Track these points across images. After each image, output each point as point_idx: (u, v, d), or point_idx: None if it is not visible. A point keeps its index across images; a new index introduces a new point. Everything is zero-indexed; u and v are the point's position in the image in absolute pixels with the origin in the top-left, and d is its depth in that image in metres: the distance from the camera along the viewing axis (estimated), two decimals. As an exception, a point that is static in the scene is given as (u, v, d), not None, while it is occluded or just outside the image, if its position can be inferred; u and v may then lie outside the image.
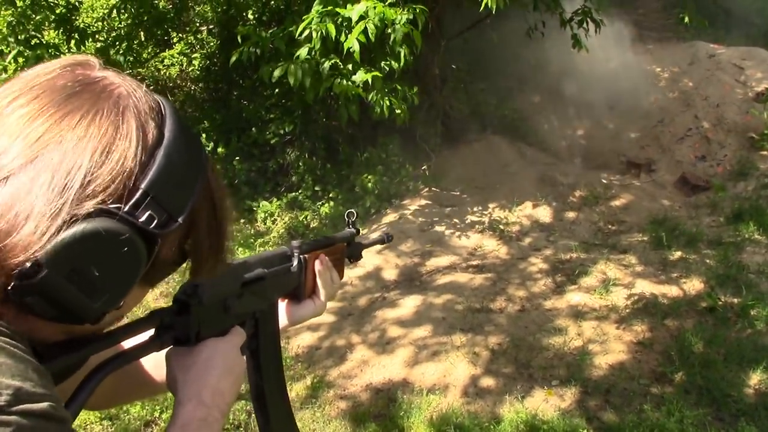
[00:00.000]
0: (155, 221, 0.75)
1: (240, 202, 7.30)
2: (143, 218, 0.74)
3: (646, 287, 5.08)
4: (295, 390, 4.32)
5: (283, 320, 1.35)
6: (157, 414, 4.13)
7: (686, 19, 5.79)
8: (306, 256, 1.33)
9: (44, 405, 0.63)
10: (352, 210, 1.59)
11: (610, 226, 6.51)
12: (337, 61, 5.48)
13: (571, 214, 6.67)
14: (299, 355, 4.76)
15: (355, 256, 1.56)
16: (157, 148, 0.77)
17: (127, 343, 0.97)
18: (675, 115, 8.48)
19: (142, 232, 0.75)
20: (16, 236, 0.68)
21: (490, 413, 4.04)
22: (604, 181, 7.36)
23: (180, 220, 0.78)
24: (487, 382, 4.28)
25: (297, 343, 4.89)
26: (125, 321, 0.98)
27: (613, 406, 3.98)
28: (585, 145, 8.34)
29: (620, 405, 3.99)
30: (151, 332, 1.00)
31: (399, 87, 5.61)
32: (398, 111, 5.61)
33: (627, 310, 4.80)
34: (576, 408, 3.98)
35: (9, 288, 0.70)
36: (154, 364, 1.15)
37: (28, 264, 0.68)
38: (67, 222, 0.70)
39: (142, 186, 0.74)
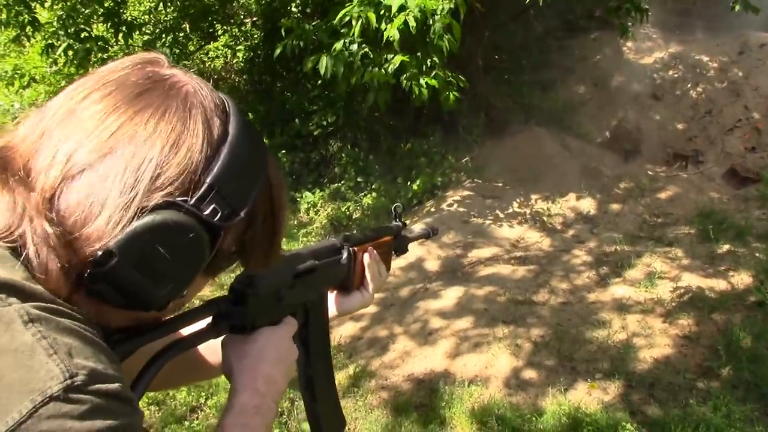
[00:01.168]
0: (219, 214, 0.79)
1: (283, 193, 7.36)
2: (208, 211, 0.78)
3: (692, 281, 5.01)
4: (338, 379, 4.36)
5: (331, 311, 1.38)
6: (202, 400, 4.20)
7: (737, 7, 5.65)
8: (355, 248, 1.35)
9: (115, 386, 0.65)
10: (399, 203, 1.61)
11: (655, 219, 6.41)
12: (368, 51, 5.45)
13: (615, 206, 6.58)
14: (342, 345, 4.80)
15: (401, 250, 1.57)
16: (222, 144, 0.80)
17: (185, 331, 1.02)
18: (724, 106, 8.30)
19: (206, 224, 0.78)
20: (91, 226, 0.72)
21: (532, 405, 4.02)
22: (650, 172, 7.25)
23: (242, 214, 0.81)
24: (530, 374, 4.26)
25: (340, 333, 4.93)
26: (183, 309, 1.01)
27: (657, 401, 3.93)
28: (630, 136, 8.21)
29: (665, 399, 3.94)
30: (208, 320, 1.03)
31: (440, 73, 5.54)
32: (437, 86, 5.51)
33: (673, 304, 4.73)
34: (619, 402, 3.95)
35: (82, 275, 0.72)
36: (208, 349, 1.19)
37: (100, 252, 0.72)
38: (138, 213, 0.73)
39: (208, 180, 0.78)
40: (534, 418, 3.90)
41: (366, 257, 1.39)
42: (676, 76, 8.68)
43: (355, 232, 1.44)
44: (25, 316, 0.63)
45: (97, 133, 0.74)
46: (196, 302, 1.03)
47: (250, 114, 7.96)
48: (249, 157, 0.83)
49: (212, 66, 9.07)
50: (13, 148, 0.76)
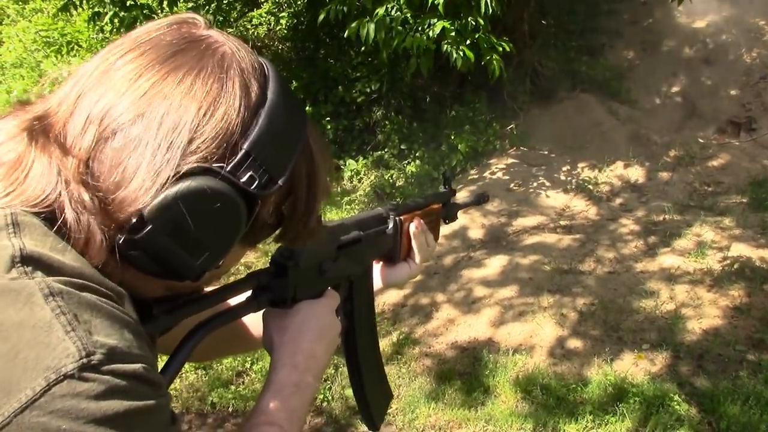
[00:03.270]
0: (256, 182, 0.76)
1: (327, 161, 7.37)
2: (244, 179, 0.75)
3: (743, 251, 4.89)
4: (381, 346, 4.34)
5: (377, 283, 1.34)
6: (248, 365, 4.26)
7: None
8: (401, 218, 1.32)
9: (137, 366, 0.63)
10: (447, 171, 1.57)
11: (706, 187, 6.27)
12: (409, 16, 5.37)
13: (664, 175, 6.44)
14: (385, 312, 4.81)
15: (450, 217, 1.53)
16: (260, 108, 0.77)
17: (225, 304, 1.00)
18: (779, 71, 8.04)
19: (242, 192, 0.75)
20: (125, 190, 0.70)
21: (577, 375, 3.99)
22: (701, 140, 7.07)
23: (280, 182, 0.78)
24: (575, 343, 4.22)
25: (383, 300, 4.94)
26: (223, 282, 1.00)
27: (706, 372, 3.87)
28: (680, 102, 8.00)
29: (714, 371, 3.87)
30: (248, 293, 1.01)
31: (483, 36, 5.44)
32: (484, 59, 5.43)
33: (723, 274, 4.63)
34: (667, 373, 3.89)
35: (116, 242, 0.71)
36: (251, 321, 1.18)
37: (134, 219, 0.70)
38: (172, 178, 0.71)
39: (245, 146, 0.75)
40: (579, 388, 3.87)
41: (412, 227, 1.34)
42: (729, 40, 8.41)
43: (401, 200, 1.42)
44: (45, 290, 0.61)
45: (130, 93, 0.72)
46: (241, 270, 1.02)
47: (293, 81, 7.95)
48: (288, 124, 0.80)
49: (255, 33, 9.06)
50: (51, 113, 0.75)
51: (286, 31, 9.01)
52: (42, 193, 0.69)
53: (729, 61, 8.30)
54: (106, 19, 6.64)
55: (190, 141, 0.72)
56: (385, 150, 7.39)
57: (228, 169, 0.74)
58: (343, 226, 1.16)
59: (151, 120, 0.71)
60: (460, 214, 1.59)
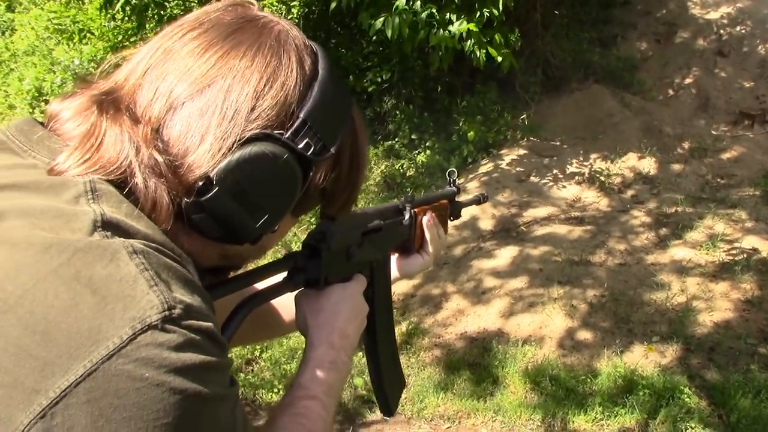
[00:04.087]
0: (312, 149, 0.82)
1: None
2: (302, 145, 0.81)
3: (756, 244, 4.86)
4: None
5: (393, 273, 1.40)
6: (257, 353, 4.27)
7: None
8: (416, 210, 1.37)
9: (209, 324, 0.67)
10: (453, 169, 1.63)
11: (718, 180, 6.22)
12: (434, 10, 5.38)
13: (677, 167, 6.40)
14: (395, 303, 4.80)
15: (455, 214, 1.59)
16: (314, 80, 0.83)
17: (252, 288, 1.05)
18: (795, 63, 7.96)
19: (300, 157, 0.81)
20: (193, 155, 0.76)
21: (586, 366, 3.99)
22: (714, 132, 7.01)
23: (333, 149, 0.85)
24: (585, 335, 4.21)
25: (393, 290, 4.93)
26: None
27: (717, 365, 3.86)
28: (694, 94, 7.94)
29: (725, 364, 3.86)
30: (279, 277, 1.06)
31: (498, 36, 5.46)
32: (499, 58, 5.46)
33: (735, 267, 4.60)
34: (677, 365, 3.88)
35: (183, 205, 0.77)
36: (280, 305, 1.25)
37: (201, 182, 0.76)
38: (236, 144, 0.77)
39: (301, 115, 0.81)
40: (588, 380, 3.87)
41: (426, 219, 1.40)
42: (744, 31, 8.32)
43: (412, 190, 1.46)
44: (129, 248, 0.65)
45: (196, 68, 0.78)
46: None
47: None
48: (338, 97, 0.86)
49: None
50: (118, 88, 0.80)
51: (297, 20, 8.98)
52: (116, 159, 0.73)
53: (743, 52, 8.22)
54: (118, 6, 6.64)
55: (253, 109, 0.78)
56: (396, 140, 7.37)
57: (287, 135, 0.80)
58: (367, 214, 1.22)
59: (217, 90, 0.77)
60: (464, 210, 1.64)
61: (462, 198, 1.63)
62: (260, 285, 1.05)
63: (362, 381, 3.95)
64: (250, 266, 1.01)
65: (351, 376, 4.01)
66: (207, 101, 0.77)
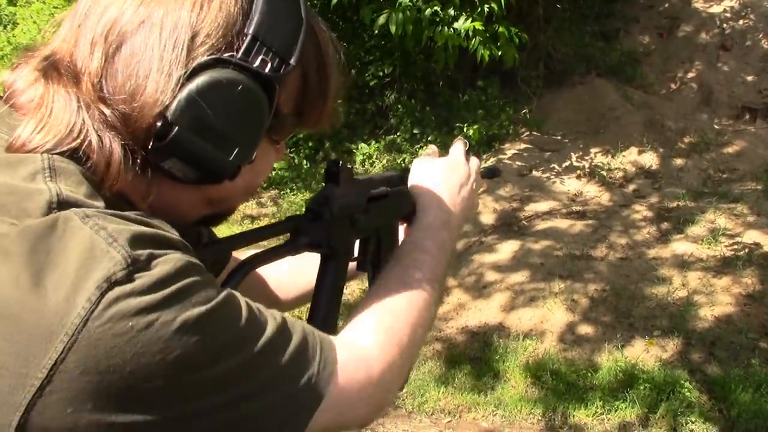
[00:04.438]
0: (269, 65, 0.77)
1: (339, 144, 7.36)
2: (257, 63, 0.76)
3: (757, 238, 4.85)
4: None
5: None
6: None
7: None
8: None
9: (178, 253, 0.66)
10: (465, 140, 1.58)
11: (720, 174, 6.21)
12: (438, 8, 5.37)
13: (678, 161, 6.39)
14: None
15: None
16: None
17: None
18: (797, 57, 7.93)
19: (258, 77, 0.77)
20: (141, 97, 0.72)
21: (587, 361, 3.99)
22: (716, 126, 6.99)
23: (292, 62, 0.79)
24: (586, 329, 4.21)
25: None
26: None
27: (717, 360, 3.86)
28: (696, 88, 7.92)
29: (726, 358, 3.86)
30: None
31: (502, 30, 5.45)
32: (500, 53, 5.46)
33: (736, 262, 4.60)
34: (678, 360, 3.88)
35: (146, 154, 0.74)
36: (277, 281, 1.24)
37: (158, 124, 0.72)
38: (185, 76, 0.73)
39: (249, 31, 0.76)
40: (589, 374, 3.87)
41: None
42: (746, 25, 8.30)
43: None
44: (81, 214, 0.63)
45: (127, 7, 0.74)
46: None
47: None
48: (287, 4, 0.81)
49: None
50: (57, 51, 0.77)
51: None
52: (69, 122, 0.71)
53: (746, 46, 8.20)
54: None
55: (193, 36, 0.73)
56: (398, 134, 7.37)
57: (238, 56, 0.75)
58: (373, 180, 1.19)
59: (152, 25, 0.73)
60: None
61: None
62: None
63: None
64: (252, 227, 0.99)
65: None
66: (144, 38, 0.73)
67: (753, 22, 8.29)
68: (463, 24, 5.31)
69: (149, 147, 0.73)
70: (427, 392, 3.91)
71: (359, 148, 7.26)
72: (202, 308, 0.64)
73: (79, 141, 0.70)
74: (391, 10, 5.38)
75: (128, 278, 0.60)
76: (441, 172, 1.17)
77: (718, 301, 4.27)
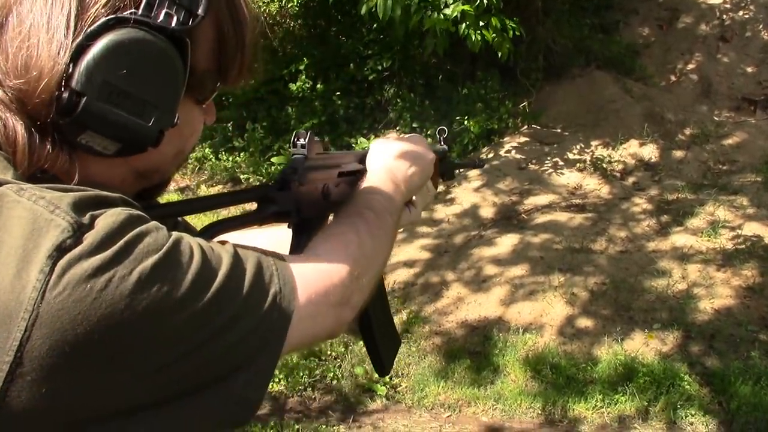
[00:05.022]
0: (174, 19, 0.72)
1: (338, 138, 7.35)
2: (161, 18, 0.71)
3: (757, 230, 4.84)
4: (391, 324, 4.38)
5: None
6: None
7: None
8: None
9: (119, 208, 0.64)
10: (444, 127, 1.55)
11: (720, 166, 6.20)
12: None
13: (678, 153, 6.38)
14: (395, 291, 4.81)
15: (447, 175, 1.53)
16: None
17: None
18: (797, 48, 7.90)
19: (164, 32, 0.71)
20: (35, 70, 0.67)
21: (586, 354, 3.99)
22: (716, 118, 6.98)
23: (200, 12, 0.74)
24: (585, 323, 4.21)
25: (393, 278, 4.94)
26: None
27: (717, 352, 3.86)
28: (696, 80, 7.90)
29: (725, 351, 3.85)
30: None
31: (495, 19, 5.42)
32: (493, 37, 5.40)
33: (736, 254, 4.59)
34: (678, 352, 3.88)
35: (58, 130, 0.69)
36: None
37: (65, 96, 0.67)
38: (82, 41, 0.68)
39: None
40: (589, 367, 3.87)
41: None
42: (746, 16, 8.27)
43: None
44: (14, 187, 0.61)
45: None
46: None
47: (305, 59, 7.90)
48: None
49: (267, 10, 9.00)
50: None
51: (297, 9, 8.94)
52: None
53: (746, 38, 8.17)
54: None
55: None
56: (397, 128, 7.35)
57: (140, 12, 0.70)
58: (345, 155, 1.18)
59: None
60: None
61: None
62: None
63: (363, 370, 3.96)
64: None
65: (351, 365, 4.01)
66: (29, 6, 0.68)
67: (753, 14, 8.26)
68: (453, 8, 5.26)
69: (60, 123, 0.69)
70: (427, 387, 3.91)
71: (359, 142, 7.25)
72: (155, 256, 0.62)
73: None
74: None
75: (76, 242, 0.59)
76: (393, 152, 1.14)
77: (718, 293, 4.27)
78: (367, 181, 1.06)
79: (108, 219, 0.61)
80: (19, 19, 0.68)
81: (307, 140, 1.06)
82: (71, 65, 0.67)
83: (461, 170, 1.58)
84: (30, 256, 0.57)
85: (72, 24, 0.68)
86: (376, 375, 3.87)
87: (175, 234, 0.67)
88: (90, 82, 0.67)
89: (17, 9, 0.68)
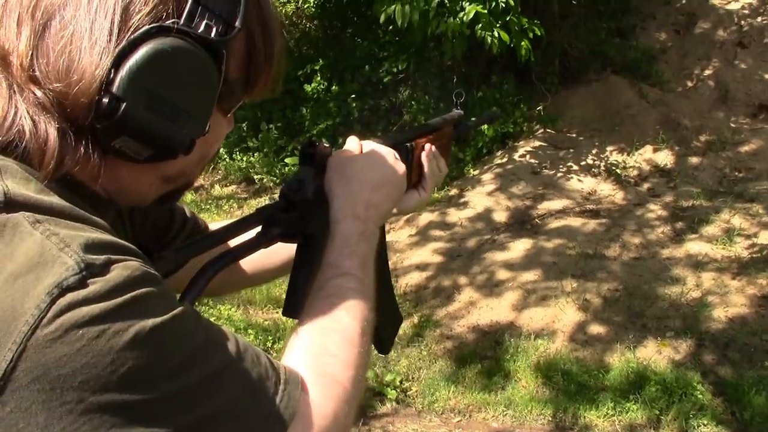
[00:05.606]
0: (214, 30, 0.73)
1: (352, 141, 7.34)
2: (201, 29, 0.72)
3: (773, 238, 4.80)
4: (402, 328, 4.36)
5: None
6: (269, 344, 4.28)
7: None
8: (412, 144, 1.27)
9: (135, 261, 0.64)
10: (460, 90, 1.50)
11: (736, 173, 6.15)
12: None
13: (694, 160, 6.33)
14: (407, 294, 4.80)
15: (462, 138, 1.50)
16: None
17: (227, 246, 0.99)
18: (816, 55, 7.83)
19: (204, 43, 0.73)
20: (77, 74, 0.68)
21: (598, 361, 3.96)
22: (733, 124, 6.92)
23: (237, 24, 0.75)
24: (597, 329, 4.19)
25: (405, 282, 4.93)
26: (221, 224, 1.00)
27: (731, 362, 3.82)
28: (713, 86, 7.85)
29: (739, 360, 3.82)
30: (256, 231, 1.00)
31: (514, 19, 5.40)
32: (510, 38, 5.38)
33: (751, 262, 4.55)
34: (691, 361, 3.85)
35: (93, 134, 0.70)
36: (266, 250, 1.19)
37: (104, 101, 0.68)
38: (126, 47, 0.68)
39: None
40: (600, 374, 3.85)
41: (424, 153, 1.29)
42: (765, 22, 8.21)
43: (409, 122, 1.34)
44: (30, 218, 0.61)
45: None
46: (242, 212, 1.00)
47: (320, 60, 7.91)
48: None
49: (283, 11, 9.02)
50: None
51: (314, 10, 8.96)
52: (3, 111, 0.67)
53: (764, 44, 8.10)
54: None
55: (127, 5, 0.69)
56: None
57: (181, 22, 0.71)
58: None
59: None
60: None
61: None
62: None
63: (373, 373, 3.95)
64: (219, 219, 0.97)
65: (362, 368, 4.00)
66: (73, 11, 0.68)
67: (772, 19, 8.19)
68: (468, 10, 5.25)
69: (96, 127, 0.69)
70: (437, 391, 3.90)
71: (372, 144, 7.24)
72: (157, 320, 0.61)
73: (15, 128, 0.67)
74: (397, 2, 5.34)
75: (81, 284, 0.58)
76: (357, 170, 1.05)
77: (732, 302, 4.23)
78: (334, 248, 0.96)
79: (124, 270, 0.61)
80: (63, 23, 0.68)
81: (315, 149, 1.03)
82: (113, 70, 0.68)
83: (477, 129, 1.52)
84: (29, 289, 0.57)
85: (115, 30, 0.68)
86: (387, 378, 3.90)
87: (184, 306, 0.67)
88: (130, 87, 0.68)
89: (61, 13, 0.69)
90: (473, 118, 1.48)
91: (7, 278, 0.57)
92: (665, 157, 6.35)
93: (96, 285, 0.59)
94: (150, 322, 0.61)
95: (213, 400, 0.65)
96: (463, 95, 1.48)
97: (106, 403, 0.58)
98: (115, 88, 0.67)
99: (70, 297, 0.57)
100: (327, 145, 1.06)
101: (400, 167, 1.10)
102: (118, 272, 0.61)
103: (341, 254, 0.95)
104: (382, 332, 1.20)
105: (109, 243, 0.63)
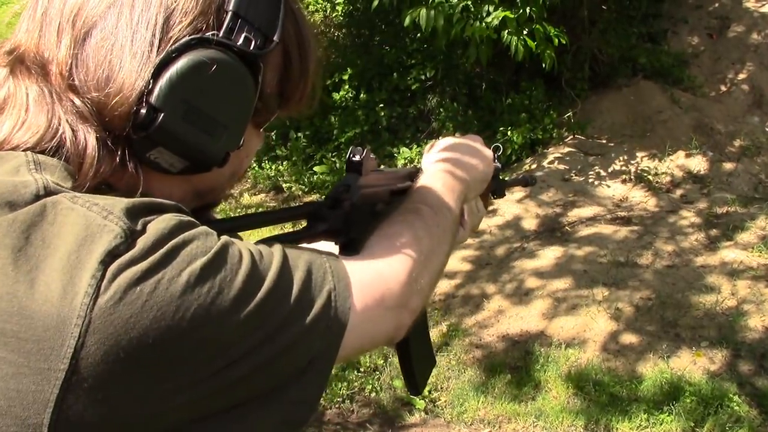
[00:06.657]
0: (252, 43, 0.74)
1: (380, 148, 7.34)
2: (240, 41, 0.73)
3: (811, 246, 4.69)
4: (431, 336, 4.33)
5: None
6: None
7: None
8: None
9: (171, 213, 0.65)
10: (498, 144, 1.52)
11: (772, 179, 6.03)
12: (469, 2, 5.30)
13: (728, 165, 6.22)
14: (435, 302, 4.76)
15: (498, 192, 1.51)
16: None
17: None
18: None
19: (242, 55, 0.73)
20: (116, 83, 0.69)
21: (631, 371, 3.89)
22: (768, 129, 6.80)
23: (275, 38, 0.76)
24: (630, 339, 4.11)
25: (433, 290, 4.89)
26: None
27: (768, 372, 3.73)
28: (747, 90, 7.72)
29: (777, 371, 3.73)
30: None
31: (539, 27, 5.36)
32: (536, 45, 5.34)
33: (788, 270, 4.45)
34: (726, 372, 3.76)
35: (129, 145, 0.70)
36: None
37: (142, 111, 0.68)
38: (166, 58, 0.69)
39: (230, 8, 0.73)
40: (633, 385, 3.78)
41: None
42: (801, 25, 8.07)
43: None
44: (68, 195, 0.62)
45: None
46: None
47: (348, 68, 7.91)
48: None
49: (311, 20, 9.06)
50: (21, 43, 0.73)
51: (341, 18, 8.99)
52: (47, 119, 0.68)
53: (801, 47, 7.97)
54: None
55: (168, 16, 0.70)
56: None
57: (221, 35, 0.72)
58: (398, 174, 1.17)
59: (122, 5, 0.70)
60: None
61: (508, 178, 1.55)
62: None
63: (402, 383, 3.92)
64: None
65: (390, 378, 3.98)
66: (114, 21, 0.69)
67: (808, 22, 8.05)
68: (494, 15, 5.22)
69: (133, 137, 0.70)
70: (467, 401, 3.85)
71: (401, 152, 7.23)
72: (204, 258, 0.62)
73: (58, 137, 0.68)
74: (421, 7, 5.32)
75: (128, 247, 0.59)
76: (450, 147, 1.15)
77: (769, 311, 4.14)
78: (423, 179, 1.06)
79: (159, 224, 0.62)
80: (104, 33, 0.69)
81: (363, 157, 1.05)
82: (152, 81, 0.68)
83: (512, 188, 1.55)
84: (83, 262, 0.57)
85: (156, 41, 0.69)
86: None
87: (224, 238, 0.67)
88: (169, 99, 0.69)
89: (102, 24, 0.70)
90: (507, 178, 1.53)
91: (61, 256, 0.58)
92: (698, 163, 6.25)
93: (140, 244, 0.60)
94: (198, 262, 0.62)
95: (276, 312, 0.67)
96: (500, 149, 1.50)
97: (183, 349, 0.60)
98: (153, 99, 0.68)
99: (119, 261, 0.58)
100: (373, 156, 1.09)
101: (489, 150, 1.23)
102: (155, 226, 0.62)
103: (425, 182, 1.04)
104: (416, 374, 1.22)
105: (147, 203, 0.64)
